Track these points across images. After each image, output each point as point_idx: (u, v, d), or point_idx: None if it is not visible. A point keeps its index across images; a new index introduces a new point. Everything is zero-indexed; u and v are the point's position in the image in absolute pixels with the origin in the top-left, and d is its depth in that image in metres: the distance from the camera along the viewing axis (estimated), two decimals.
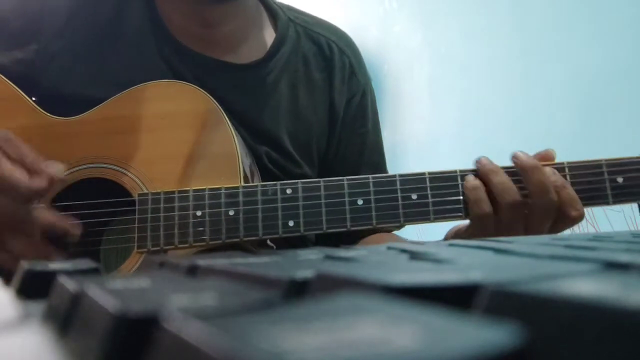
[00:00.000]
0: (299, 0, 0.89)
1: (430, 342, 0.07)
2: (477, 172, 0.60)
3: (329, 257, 0.21)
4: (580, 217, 0.58)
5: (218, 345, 0.07)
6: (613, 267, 0.14)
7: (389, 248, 0.25)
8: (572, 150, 1.10)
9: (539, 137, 1.21)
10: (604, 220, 1.02)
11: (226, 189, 0.59)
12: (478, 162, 0.60)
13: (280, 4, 0.80)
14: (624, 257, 0.14)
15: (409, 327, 0.08)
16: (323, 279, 0.13)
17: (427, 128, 1.70)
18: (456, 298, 0.11)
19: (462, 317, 0.09)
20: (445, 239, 0.64)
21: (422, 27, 1.76)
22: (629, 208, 1.00)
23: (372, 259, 0.19)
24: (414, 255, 0.20)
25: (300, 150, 0.73)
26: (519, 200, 0.57)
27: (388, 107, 1.85)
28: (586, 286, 0.09)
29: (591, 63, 1.12)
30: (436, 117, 1.67)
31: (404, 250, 0.23)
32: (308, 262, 0.19)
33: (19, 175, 0.53)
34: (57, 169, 0.55)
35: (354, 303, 0.10)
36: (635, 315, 0.08)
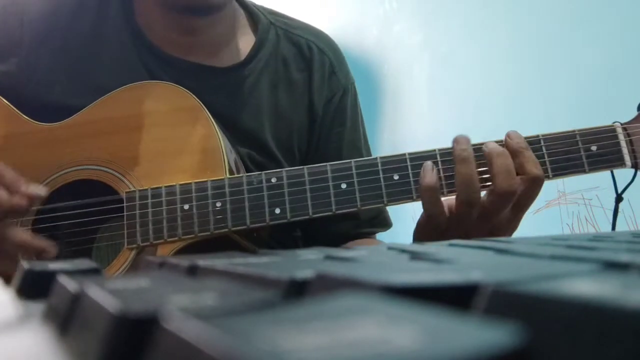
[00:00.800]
0: (299, 1, 0.89)
1: (430, 342, 0.07)
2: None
3: (329, 257, 0.21)
4: (542, 176, 0.58)
5: (218, 345, 0.07)
6: (613, 267, 0.14)
7: (389, 248, 0.25)
8: None
9: None
10: (604, 220, 1.02)
11: (212, 181, 0.60)
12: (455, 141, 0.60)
13: (261, 7, 0.81)
14: (624, 257, 0.14)
15: (409, 327, 0.08)
16: (323, 279, 0.13)
17: (427, 128, 1.70)
18: (456, 298, 0.11)
19: (462, 317, 0.09)
20: (415, 232, 0.64)
21: (422, 27, 1.76)
22: (629, 208, 1.00)
23: (372, 259, 0.19)
24: (414, 255, 0.20)
25: (282, 150, 0.74)
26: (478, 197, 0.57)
27: (388, 107, 1.85)
28: (586, 286, 0.09)
29: (591, 63, 1.12)
30: (436, 117, 1.67)
31: (404, 250, 0.23)
32: (308, 262, 0.19)
33: None
34: (37, 189, 0.57)
35: (353, 303, 0.10)
36: (635, 315, 0.08)
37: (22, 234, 0.58)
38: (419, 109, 1.75)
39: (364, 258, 0.19)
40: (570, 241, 0.23)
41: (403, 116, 1.83)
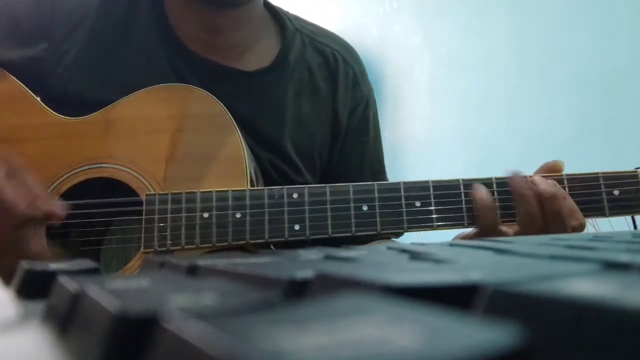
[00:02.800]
0: (300, 1, 0.89)
1: (430, 342, 0.07)
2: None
3: (329, 257, 0.21)
4: (581, 227, 0.60)
5: (218, 345, 0.07)
6: (613, 267, 0.14)
7: (389, 248, 0.25)
8: (571, 150, 1.10)
9: (539, 137, 1.21)
10: (604, 220, 1.02)
11: (233, 191, 0.60)
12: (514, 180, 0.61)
13: (288, 13, 0.81)
14: (624, 257, 0.14)
15: (409, 327, 0.08)
16: (323, 279, 0.13)
17: (427, 128, 1.70)
18: (456, 298, 0.11)
19: (462, 317, 0.09)
20: None
21: (422, 27, 1.76)
22: None
23: (372, 259, 0.19)
24: (414, 256, 0.20)
25: (303, 159, 0.74)
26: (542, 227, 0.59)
27: (388, 107, 1.85)
28: (586, 286, 0.09)
29: (591, 63, 1.12)
30: (436, 117, 1.67)
31: (404, 251, 0.23)
32: (308, 262, 0.19)
33: (18, 199, 0.54)
34: (59, 204, 0.56)
35: (354, 303, 0.10)
36: (635, 315, 0.08)
37: (37, 244, 0.58)
38: (419, 109, 1.75)
39: (364, 258, 0.19)
40: (570, 241, 0.23)
41: (403, 116, 1.83)
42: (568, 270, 0.13)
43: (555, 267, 0.14)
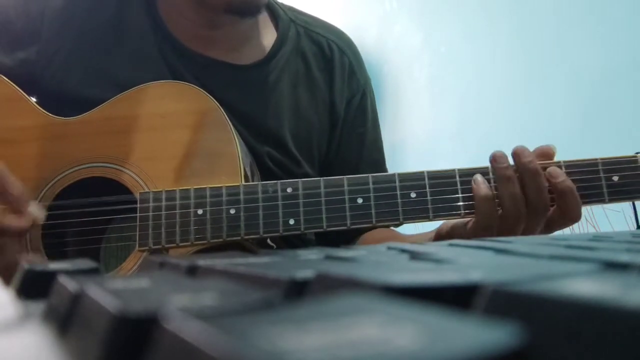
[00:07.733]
0: (300, 0, 0.89)
1: (430, 342, 0.07)
2: (490, 174, 0.60)
3: (329, 257, 0.21)
4: (578, 219, 0.59)
5: (218, 345, 0.07)
6: (613, 267, 0.14)
7: (389, 248, 0.25)
8: (572, 150, 1.10)
9: (539, 137, 1.20)
10: (604, 220, 1.02)
11: (227, 187, 0.60)
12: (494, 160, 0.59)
13: (281, 4, 0.81)
14: (624, 257, 0.14)
15: (409, 327, 0.08)
16: (323, 279, 0.13)
17: (427, 128, 1.70)
18: (456, 298, 0.11)
19: (462, 317, 0.09)
20: (438, 233, 0.64)
21: (422, 27, 1.76)
22: (629, 208, 1.00)
23: (372, 259, 0.19)
24: (414, 255, 0.20)
25: (302, 150, 0.73)
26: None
27: (388, 107, 1.85)
28: (586, 286, 0.09)
29: (591, 63, 1.12)
30: (436, 117, 1.67)
31: (404, 250, 0.23)
32: (308, 262, 0.19)
33: None
34: (39, 212, 0.56)
35: (354, 303, 0.10)
36: (635, 315, 0.08)
37: (20, 250, 0.57)
38: (419, 109, 1.75)
39: (364, 258, 0.19)
40: (570, 241, 0.23)
41: (403, 116, 1.83)
42: (568, 270, 0.13)
43: (555, 267, 0.14)
